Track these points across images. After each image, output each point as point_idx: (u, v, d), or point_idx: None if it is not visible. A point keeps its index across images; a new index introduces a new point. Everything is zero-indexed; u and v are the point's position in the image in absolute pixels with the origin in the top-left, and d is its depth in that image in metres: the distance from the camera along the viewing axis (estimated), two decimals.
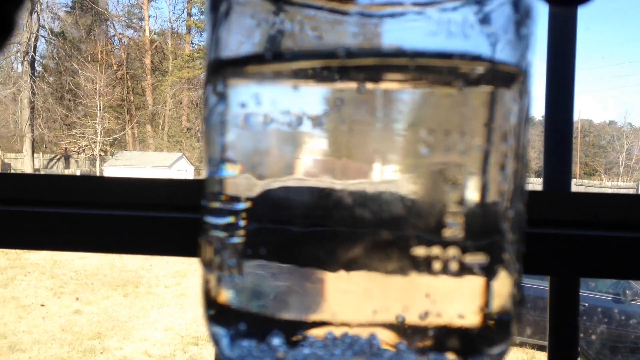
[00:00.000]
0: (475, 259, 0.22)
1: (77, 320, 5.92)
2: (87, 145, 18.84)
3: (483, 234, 0.22)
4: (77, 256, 7.77)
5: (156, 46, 21.88)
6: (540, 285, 5.18)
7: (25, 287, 6.85)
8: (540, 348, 5.32)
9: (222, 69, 0.23)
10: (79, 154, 19.46)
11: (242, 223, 0.23)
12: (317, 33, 0.22)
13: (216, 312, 0.24)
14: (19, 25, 0.23)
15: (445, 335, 0.21)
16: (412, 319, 0.21)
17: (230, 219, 0.23)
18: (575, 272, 0.81)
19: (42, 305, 6.09)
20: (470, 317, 0.22)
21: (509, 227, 0.23)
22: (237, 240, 0.23)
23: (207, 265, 0.24)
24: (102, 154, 18.66)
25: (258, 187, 0.22)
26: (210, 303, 0.24)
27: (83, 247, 0.76)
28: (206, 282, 0.24)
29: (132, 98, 21.00)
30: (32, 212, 0.75)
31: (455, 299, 0.22)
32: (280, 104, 0.22)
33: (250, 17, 0.23)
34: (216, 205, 0.24)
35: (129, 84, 20.96)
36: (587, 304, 5.22)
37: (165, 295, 6.78)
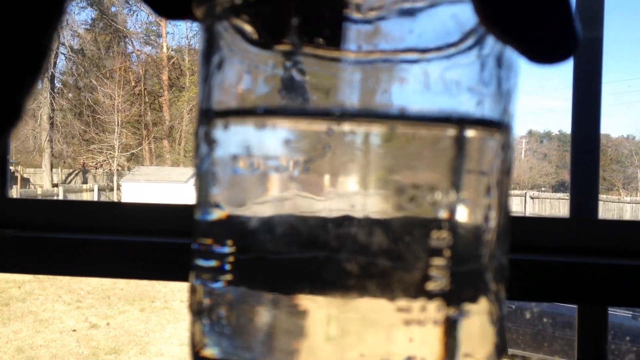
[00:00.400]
0: (458, 309, 0.23)
1: (94, 335, 5.94)
2: (105, 161, 19.02)
3: (467, 285, 0.23)
4: None
5: (173, 62, 22.09)
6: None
7: (43, 301, 6.90)
8: None
9: (214, 119, 0.24)
10: (96, 169, 19.64)
11: (227, 267, 0.23)
12: (306, 81, 0.23)
13: (200, 357, 0.24)
14: (26, 112, 0.24)
15: None
16: None
17: (214, 263, 0.24)
18: (603, 301, 0.80)
19: (74, 330, 6.11)
20: None
21: (492, 278, 0.24)
22: (220, 285, 0.24)
23: (192, 310, 0.25)
24: (120, 169, 18.82)
25: (244, 231, 0.23)
26: (194, 348, 0.25)
27: (99, 273, 0.77)
28: (191, 326, 0.25)
29: (149, 114, 21.19)
30: (52, 238, 0.77)
31: (438, 349, 0.22)
32: (271, 152, 0.23)
33: (243, 68, 0.24)
34: (202, 249, 0.25)
35: (147, 100, 21.16)
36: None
37: (182, 309, 6.79)
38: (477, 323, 0.23)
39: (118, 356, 5.45)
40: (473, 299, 0.23)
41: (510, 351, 5.48)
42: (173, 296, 7.24)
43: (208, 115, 0.25)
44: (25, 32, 0.22)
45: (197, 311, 0.25)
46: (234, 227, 0.24)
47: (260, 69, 0.24)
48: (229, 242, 0.24)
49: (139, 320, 6.46)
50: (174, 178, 15.59)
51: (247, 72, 0.24)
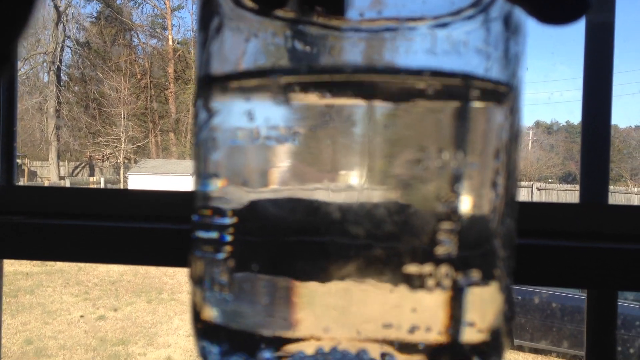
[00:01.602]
0: (467, 276, 0.22)
1: (102, 326, 5.98)
2: (112, 153, 19.10)
3: (475, 251, 0.22)
4: None
5: (179, 55, 22.11)
6: (580, 295, 5.13)
7: (51, 293, 6.94)
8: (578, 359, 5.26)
9: (212, 85, 0.24)
10: (103, 161, 19.73)
11: (228, 238, 0.23)
12: (308, 49, 0.22)
13: (203, 328, 0.24)
14: (17, 56, 0.24)
15: (436, 351, 0.21)
16: (402, 334, 0.21)
17: (216, 235, 0.23)
18: (613, 286, 0.80)
19: (82, 316, 6.17)
20: (461, 333, 0.22)
21: (500, 244, 0.23)
22: (222, 255, 0.23)
23: (194, 281, 0.25)
24: (126, 161, 18.89)
25: (244, 202, 0.23)
26: (197, 318, 0.24)
27: (106, 259, 0.77)
28: (193, 297, 0.25)
29: (155, 106, 21.24)
30: (59, 225, 0.77)
31: (447, 315, 0.22)
32: (270, 120, 0.22)
33: (241, 33, 0.23)
34: (203, 220, 0.24)
35: (152, 93, 21.20)
36: None
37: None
38: (487, 289, 0.23)
39: (125, 347, 5.49)
40: (482, 265, 0.23)
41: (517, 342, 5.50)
42: (180, 288, 7.28)
43: (206, 82, 0.24)
44: None
45: (198, 280, 0.24)
46: (232, 197, 0.23)
47: (258, 36, 0.23)
48: (228, 212, 0.23)
49: (146, 311, 6.49)
50: (180, 170, 15.63)
51: (245, 38, 0.23)
